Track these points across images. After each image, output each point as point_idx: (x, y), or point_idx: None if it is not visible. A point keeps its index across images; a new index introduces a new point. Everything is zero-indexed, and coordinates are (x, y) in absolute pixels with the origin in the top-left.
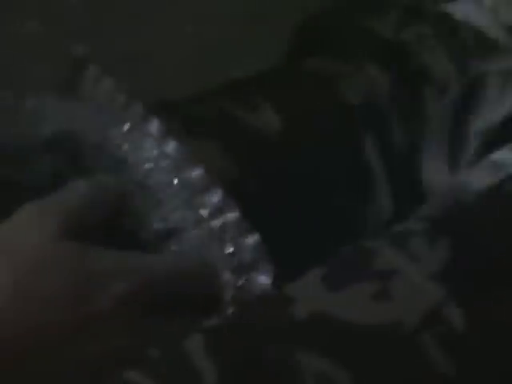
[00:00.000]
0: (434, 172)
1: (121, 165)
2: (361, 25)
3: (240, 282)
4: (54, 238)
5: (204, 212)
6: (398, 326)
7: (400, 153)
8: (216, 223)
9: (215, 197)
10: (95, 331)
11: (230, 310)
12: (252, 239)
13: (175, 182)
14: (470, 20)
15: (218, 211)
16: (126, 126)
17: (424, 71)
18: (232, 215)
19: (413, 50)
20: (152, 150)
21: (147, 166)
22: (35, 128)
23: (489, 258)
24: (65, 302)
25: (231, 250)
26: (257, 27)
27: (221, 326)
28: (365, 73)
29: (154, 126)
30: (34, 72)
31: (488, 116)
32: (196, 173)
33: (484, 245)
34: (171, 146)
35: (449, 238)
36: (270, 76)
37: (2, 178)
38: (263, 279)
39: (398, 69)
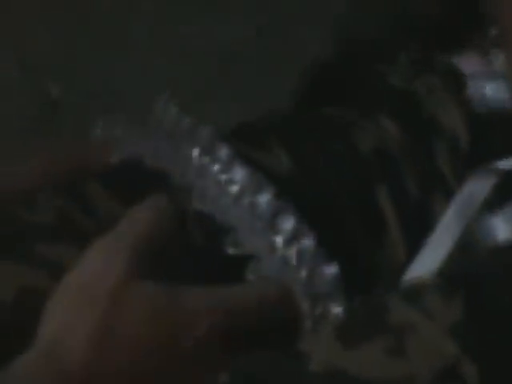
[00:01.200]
0: (451, 223)
1: (186, 191)
2: (372, 74)
3: (317, 312)
4: (132, 275)
5: (278, 239)
6: (411, 382)
7: (413, 202)
8: (291, 250)
9: (289, 223)
10: (179, 369)
11: (305, 340)
12: (329, 269)
13: (245, 207)
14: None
15: (292, 238)
16: (195, 152)
17: (434, 123)
18: (307, 242)
19: (423, 101)
20: (219, 175)
21: (214, 191)
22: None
23: (502, 315)
24: (151, 343)
25: (308, 278)
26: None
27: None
28: (377, 122)
29: (222, 150)
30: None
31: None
32: (265, 198)
33: (498, 302)
34: (239, 172)
35: (463, 295)
36: (284, 121)
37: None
38: (338, 310)
39: (408, 119)
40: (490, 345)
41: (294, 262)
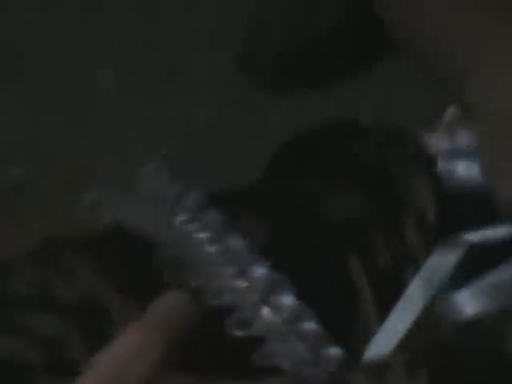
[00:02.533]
0: (415, 296)
1: (180, 263)
2: (343, 147)
3: None
4: (164, 366)
5: (278, 316)
6: None
7: (384, 273)
8: (295, 330)
9: (288, 300)
10: None
11: None
12: (333, 351)
13: (243, 282)
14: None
15: (294, 317)
16: (182, 218)
17: (403, 196)
18: (310, 324)
19: (394, 176)
20: (212, 245)
21: (210, 267)
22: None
23: None
24: None
25: (312, 360)
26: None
27: None
28: (348, 195)
29: (212, 217)
30: None
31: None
32: (262, 271)
33: (462, 378)
34: (232, 240)
35: (427, 372)
36: (254, 189)
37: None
38: None
39: (379, 192)
40: None
41: (297, 343)
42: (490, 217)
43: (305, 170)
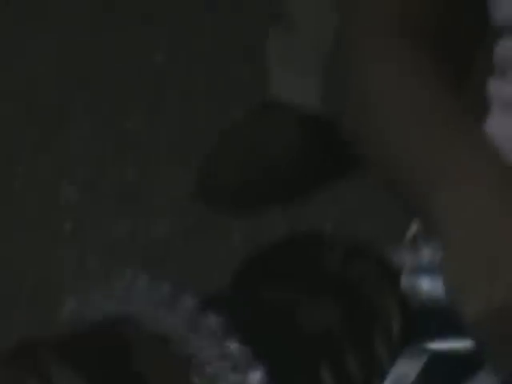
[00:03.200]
0: None
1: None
2: (309, 259)
3: None
4: None
5: None
6: None
7: (353, 381)
8: None
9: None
10: None
11: None
12: None
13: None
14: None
15: None
16: (179, 320)
17: (370, 306)
18: None
19: (359, 286)
20: (213, 349)
21: (211, 368)
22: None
23: None
24: None
25: None
26: None
27: None
28: (319, 306)
29: (211, 320)
30: None
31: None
32: (257, 375)
33: None
34: (233, 346)
35: None
36: (227, 304)
37: None
38: None
39: (346, 303)
40: None
41: None
42: (453, 331)
43: (272, 282)
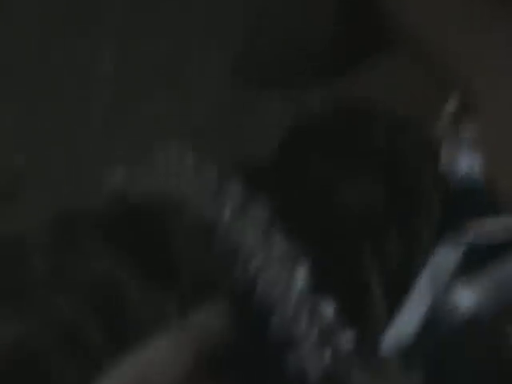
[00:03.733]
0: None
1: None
2: (353, 131)
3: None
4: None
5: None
6: None
7: (395, 264)
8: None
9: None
10: None
11: None
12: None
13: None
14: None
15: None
16: (228, 206)
17: (412, 185)
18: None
19: (403, 163)
20: (258, 241)
21: (256, 262)
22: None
23: None
24: None
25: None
26: None
27: None
28: (362, 180)
29: (259, 209)
30: None
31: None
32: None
33: (458, 380)
34: (280, 238)
35: (423, 372)
36: (265, 172)
37: None
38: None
39: (390, 180)
40: None
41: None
42: (492, 209)
43: (317, 154)
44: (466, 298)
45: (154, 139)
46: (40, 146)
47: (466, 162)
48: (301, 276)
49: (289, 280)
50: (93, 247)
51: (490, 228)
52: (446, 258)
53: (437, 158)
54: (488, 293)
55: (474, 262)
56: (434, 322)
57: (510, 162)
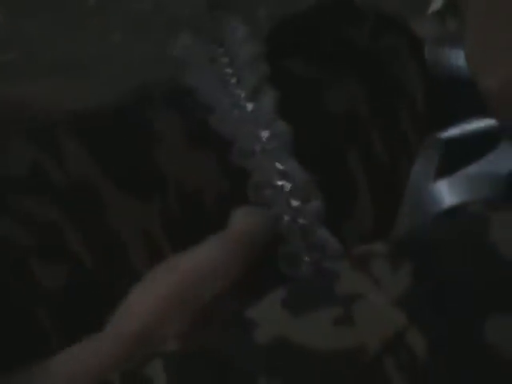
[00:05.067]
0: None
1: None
2: (337, 31)
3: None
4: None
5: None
6: (359, 351)
7: (381, 167)
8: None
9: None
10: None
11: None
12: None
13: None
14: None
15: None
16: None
17: (397, 86)
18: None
19: (387, 64)
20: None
21: (269, 190)
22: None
23: (450, 283)
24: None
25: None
26: None
27: (182, 352)
28: (345, 84)
29: (267, 100)
30: None
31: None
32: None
33: (445, 269)
34: (280, 127)
35: (411, 263)
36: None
37: None
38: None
39: (374, 82)
40: (439, 314)
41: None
42: (477, 105)
43: (300, 56)
44: (445, 191)
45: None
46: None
47: (451, 59)
48: (291, 170)
49: (279, 176)
50: (71, 150)
51: (470, 127)
52: (429, 157)
53: (422, 56)
54: (466, 187)
55: (455, 159)
56: (417, 217)
57: (495, 58)
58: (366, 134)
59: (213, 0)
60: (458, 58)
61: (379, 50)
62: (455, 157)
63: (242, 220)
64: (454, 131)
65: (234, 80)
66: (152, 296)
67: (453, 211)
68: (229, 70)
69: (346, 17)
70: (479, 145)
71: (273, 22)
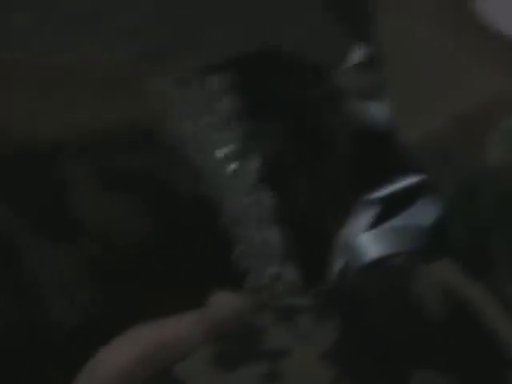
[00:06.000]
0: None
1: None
2: (264, 82)
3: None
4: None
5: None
6: None
7: (306, 216)
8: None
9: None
10: None
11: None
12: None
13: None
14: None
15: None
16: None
17: (322, 137)
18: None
19: (311, 113)
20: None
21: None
22: None
23: (376, 334)
24: None
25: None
26: None
27: None
28: (271, 134)
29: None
30: None
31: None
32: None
33: (372, 323)
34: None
35: (338, 316)
36: None
37: None
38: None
39: (300, 132)
40: (367, 366)
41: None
42: (398, 154)
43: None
44: (369, 243)
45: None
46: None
47: (375, 110)
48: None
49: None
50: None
51: (398, 185)
52: (363, 215)
53: (345, 108)
54: (390, 239)
55: (385, 214)
56: (348, 272)
57: (415, 110)
58: (289, 181)
59: None
60: (379, 111)
61: (305, 102)
62: (385, 212)
63: (219, 305)
64: (388, 189)
65: None
66: (118, 359)
67: (378, 263)
68: None
69: (272, 68)
70: (404, 198)
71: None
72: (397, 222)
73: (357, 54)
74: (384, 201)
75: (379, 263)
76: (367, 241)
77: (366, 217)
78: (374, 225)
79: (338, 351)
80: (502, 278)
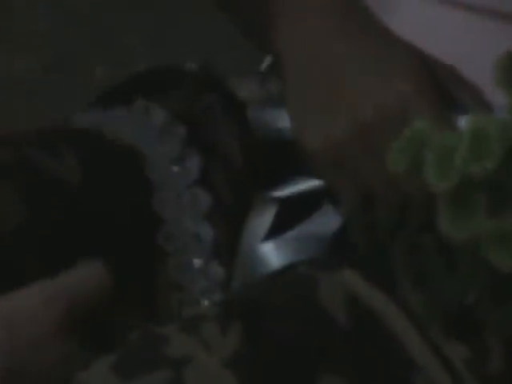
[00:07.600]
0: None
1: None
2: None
3: None
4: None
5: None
6: None
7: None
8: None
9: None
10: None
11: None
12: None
13: None
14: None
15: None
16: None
17: (212, 144)
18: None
19: (204, 123)
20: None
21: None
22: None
23: (278, 343)
24: None
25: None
26: None
27: None
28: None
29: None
30: None
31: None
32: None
33: (275, 331)
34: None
35: (240, 324)
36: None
37: None
38: None
39: (190, 139)
40: (269, 373)
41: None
42: (298, 164)
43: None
44: (271, 252)
45: None
46: None
47: (274, 120)
48: None
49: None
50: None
51: (296, 188)
52: (260, 218)
53: (241, 116)
54: (291, 248)
55: (286, 218)
56: (251, 281)
57: (312, 120)
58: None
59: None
60: (280, 119)
61: (197, 110)
62: (286, 216)
63: (74, 273)
64: (284, 191)
65: None
66: None
67: (281, 272)
68: None
69: (171, 80)
70: (306, 205)
71: (110, 81)
72: (299, 230)
73: (264, 64)
74: (285, 202)
75: (282, 272)
76: (270, 249)
77: (267, 216)
78: (275, 230)
79: (240, 359)
80: (405, 288)
